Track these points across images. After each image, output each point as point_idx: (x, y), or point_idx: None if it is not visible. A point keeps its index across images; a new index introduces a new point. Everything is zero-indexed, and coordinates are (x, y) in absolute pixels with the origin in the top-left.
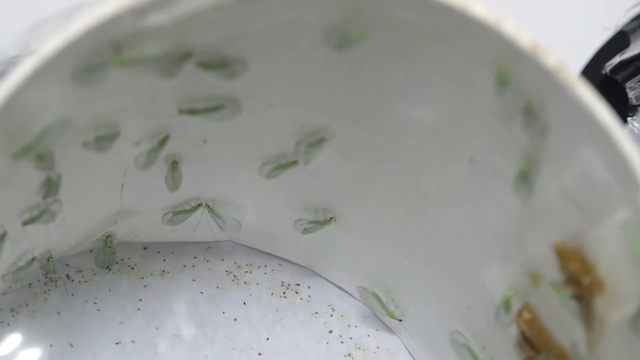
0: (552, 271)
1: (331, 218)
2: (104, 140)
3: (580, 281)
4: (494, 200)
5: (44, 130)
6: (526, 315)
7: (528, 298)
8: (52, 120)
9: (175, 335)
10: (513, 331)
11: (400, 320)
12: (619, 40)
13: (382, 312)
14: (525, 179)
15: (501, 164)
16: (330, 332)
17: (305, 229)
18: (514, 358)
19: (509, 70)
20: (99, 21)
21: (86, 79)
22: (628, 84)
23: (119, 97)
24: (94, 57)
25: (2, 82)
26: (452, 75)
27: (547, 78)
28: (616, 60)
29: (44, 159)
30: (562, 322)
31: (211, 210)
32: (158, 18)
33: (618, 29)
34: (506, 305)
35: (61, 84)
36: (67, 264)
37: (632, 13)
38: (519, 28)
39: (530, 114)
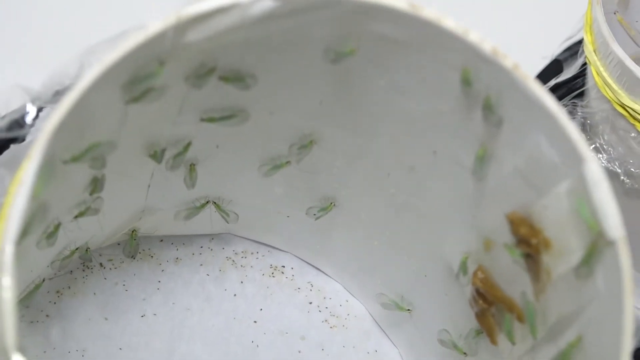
0: (504, 236)
1: (331, 203)
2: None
3: (529, 242)
4: (452, 185)
5: (99, 133)
6: (480, 275)
7: (481, 261)
8: (105, 125)
9: (188, 309)
10: (467, 290)
11: (409, 310)
12: (555, 67)
13: (394, 307)
14: (481, 163)
15: (460, 153)
16: (310, 303)
17: (315, 214)
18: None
19: (472, 72)
20: (149, 35)
21: (134, 89)
22: (562, 102)
23: (156, 107)
24: (142, 69)
25: (73, 86)
26: (425, 79)
27: (505, 76)
28: (552, 83)
29: (97, 161)
30: (512, 277)
31: (217, 206)
32: (193, 35)
33: (554, 57)
34: (463, 268)
35: (115, 90)
36: (100, 254)
37: (565, 45)
38: (482, 36)
39: (488, 108)
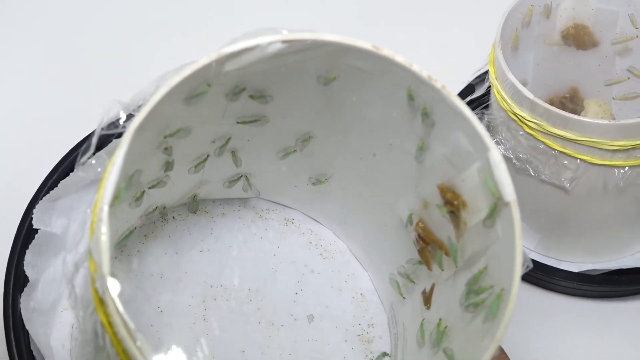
0: (436, 199)
1: (325, 179)
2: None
3: (453, 203)
4: (402, 166)
5: (168, 133)
6: (420, 225)
7: (422, 215)
8: (173, 127)
9: (230, 246)
10: (412, 235)
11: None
12: (469, 89)
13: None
14: (421, 151)
15: (407, 145)
16: (310, 242)
17: (313, 183)
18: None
19: (414, 90)
20: (199, 66)
21: (191, 102)
22: (474, 112)
23: (206, 114)
24: (195, 89)
25: (148, 101)
26: (384, 95)
27: (437, 93)
28: (468, 99)
29: (168, 149)
30: (441, 226)
31: (247, 179)
32: (229, 66)
33: (468, 82)
34: (410, 220)
35: (178, 103)
36: (173, 211)
37: (476, 74)
38: (421, 68)
39: (425, 115)
